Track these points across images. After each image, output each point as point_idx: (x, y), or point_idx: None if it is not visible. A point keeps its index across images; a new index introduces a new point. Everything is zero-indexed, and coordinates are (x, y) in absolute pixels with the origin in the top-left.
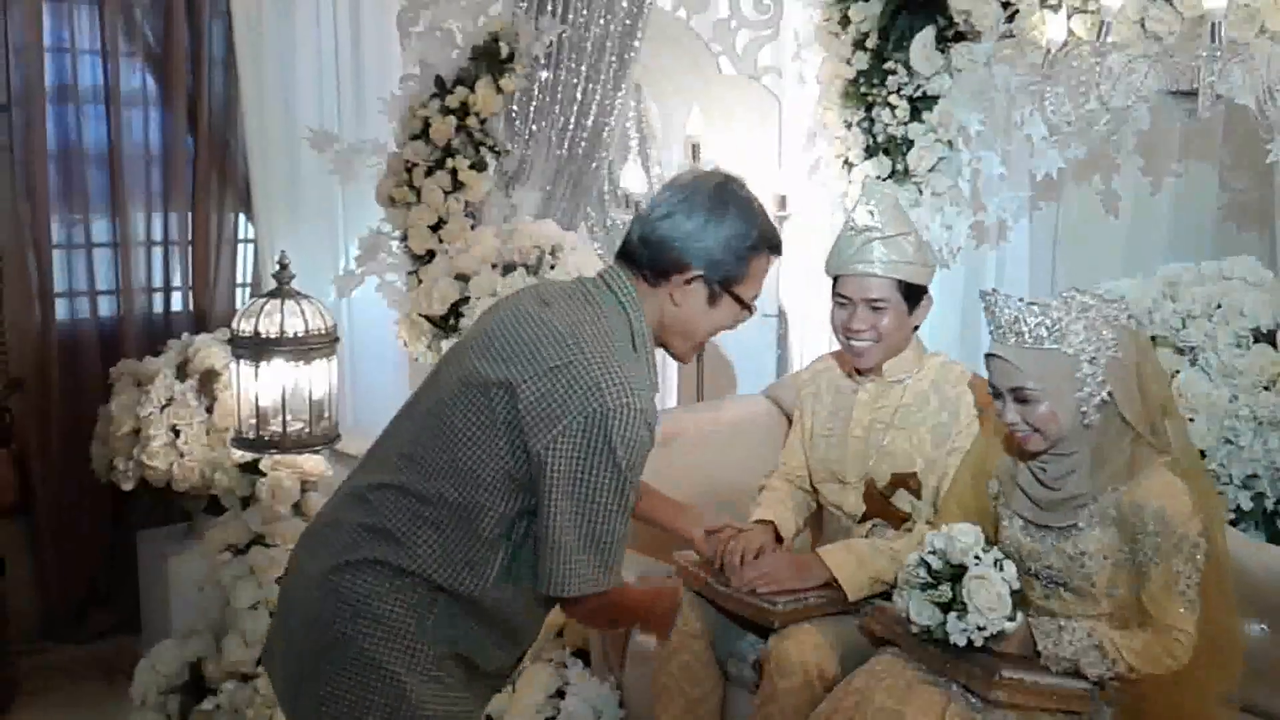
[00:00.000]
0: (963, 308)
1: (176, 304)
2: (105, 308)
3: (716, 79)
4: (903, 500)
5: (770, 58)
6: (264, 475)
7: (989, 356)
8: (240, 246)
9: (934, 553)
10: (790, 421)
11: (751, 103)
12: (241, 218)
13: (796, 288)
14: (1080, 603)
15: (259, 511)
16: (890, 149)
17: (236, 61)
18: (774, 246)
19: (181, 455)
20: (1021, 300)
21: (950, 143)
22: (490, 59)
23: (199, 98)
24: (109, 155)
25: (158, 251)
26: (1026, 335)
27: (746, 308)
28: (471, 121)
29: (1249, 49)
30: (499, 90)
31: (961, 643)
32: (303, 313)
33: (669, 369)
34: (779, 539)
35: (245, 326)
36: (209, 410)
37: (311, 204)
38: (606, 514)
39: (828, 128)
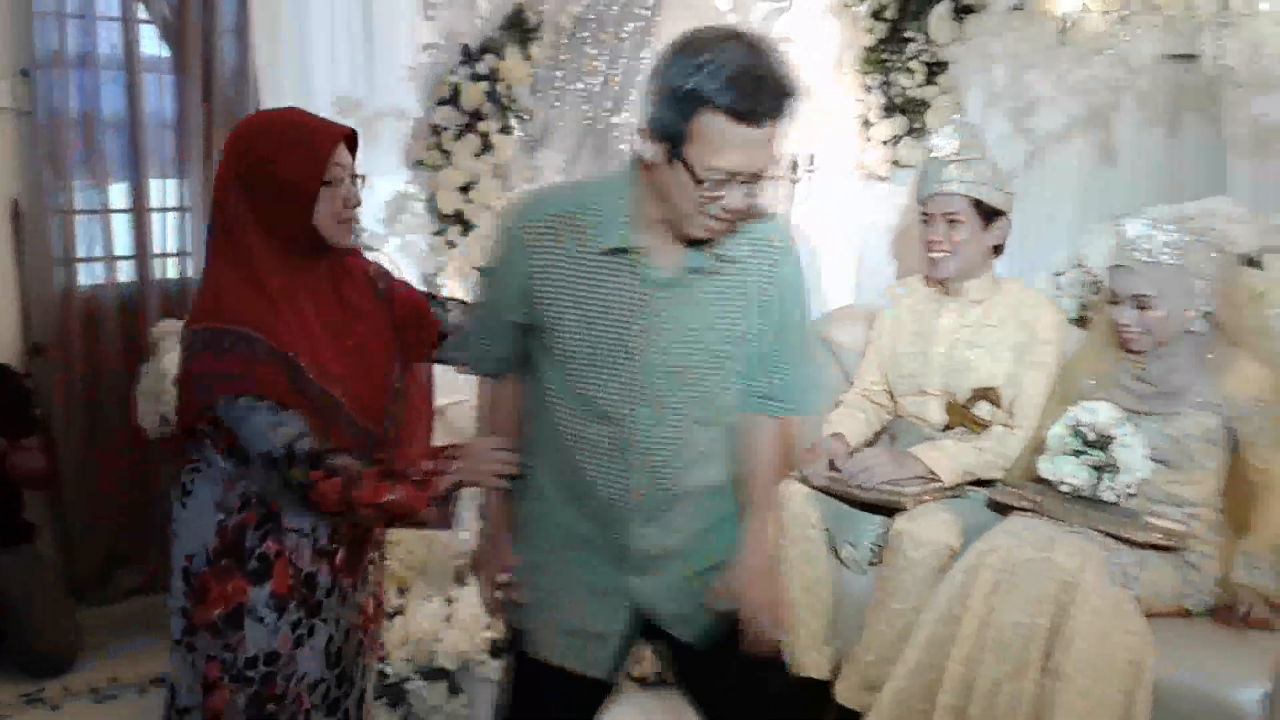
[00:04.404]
0: None
1: (190, 270)
2: (124, 273)
3: None
4: (982, 410)
5: (785, 28)
6: None
7: (1116, 267)
8: None
9: (1082, 425)
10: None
11: None
12: None
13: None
14: (1176, 475)
15: None
16: (908, 109)
17: (251, 30)
18: (734, 111)
19: None
20: (1150, 222)
21: (959, 103)
22: (518, 28)
23: (212, 66)
24: (128, 121)
25: (172, 218)
26: (1154, 251)
27: (696, 179)
28: (500, 88)
29: (1240, 20)
30: (527, 58)
31: (1110, 499)
32: None
33: None
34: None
35: None
36: None
37: None
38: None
39: (845, 91)
